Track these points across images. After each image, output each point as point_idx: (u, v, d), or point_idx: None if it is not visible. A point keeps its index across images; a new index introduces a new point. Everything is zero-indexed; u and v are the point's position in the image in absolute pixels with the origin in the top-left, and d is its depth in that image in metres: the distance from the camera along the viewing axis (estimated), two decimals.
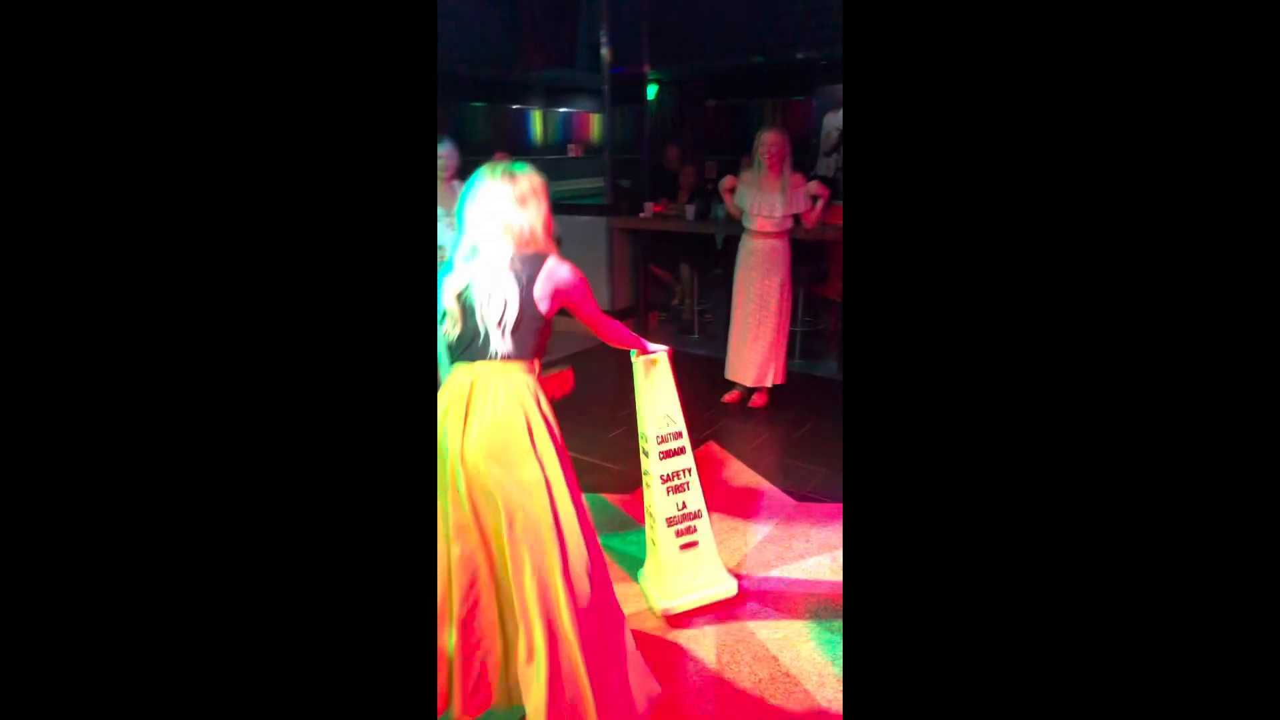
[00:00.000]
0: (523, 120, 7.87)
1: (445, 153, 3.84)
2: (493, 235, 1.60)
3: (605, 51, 5.44)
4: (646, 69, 5.87)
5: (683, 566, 2.20)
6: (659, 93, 6.65)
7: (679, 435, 2.15)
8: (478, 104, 7.86)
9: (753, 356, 3.74)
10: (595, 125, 8.18)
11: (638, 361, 2.10)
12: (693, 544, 2.20)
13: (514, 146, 6.65)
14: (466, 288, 1.60)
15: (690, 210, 5.09)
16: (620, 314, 5.55)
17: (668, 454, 2.15)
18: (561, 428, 1.67)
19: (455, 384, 1.61)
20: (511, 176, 1.62)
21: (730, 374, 3.85)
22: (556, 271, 1.63)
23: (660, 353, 2.12)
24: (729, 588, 2.24)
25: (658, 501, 2.17)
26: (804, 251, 4.35)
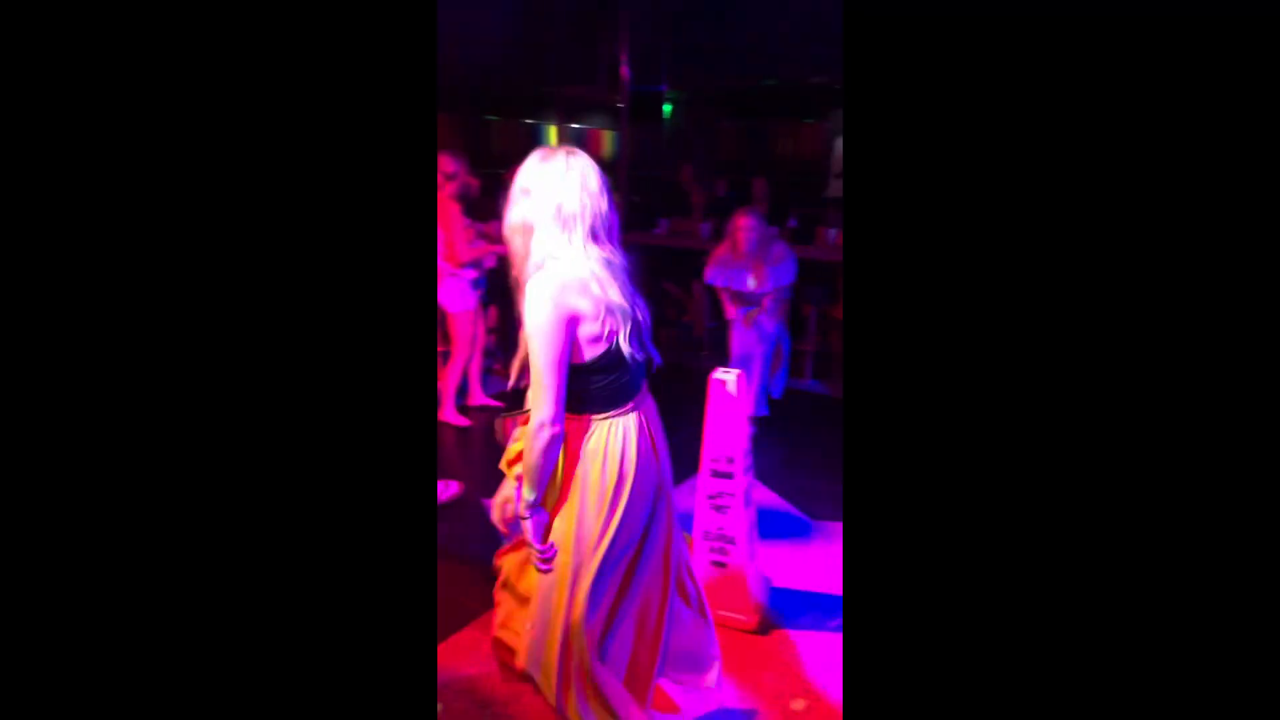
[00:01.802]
0: (536, 136, 7.92)
1: (451, 167, 3.50)
2: (620, 276, 1.40)
3: (624, 70, 5.51)
4: (665, 88, 5.95)
5: (710, 582, 2.22)
6: (674, 112, 6.71)
7: (730, 460, 2.18)
8: (491, 117, 7.91)
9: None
10: (608, 142, 8.24)
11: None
12: (722, 565, 2.22)
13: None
14: (618, 342, 1.39)
15: (704, 228, 5.13)
16: None
17: (718, 475, 2.20)
18: None
19: (626, 426, 1.44)
20: None
21: None
22: None
23: (730, 376, 2.13)
24: (746, 620, 2.24)
25: (698, 513, 2.23)
26: (816, 271, 4.37)
